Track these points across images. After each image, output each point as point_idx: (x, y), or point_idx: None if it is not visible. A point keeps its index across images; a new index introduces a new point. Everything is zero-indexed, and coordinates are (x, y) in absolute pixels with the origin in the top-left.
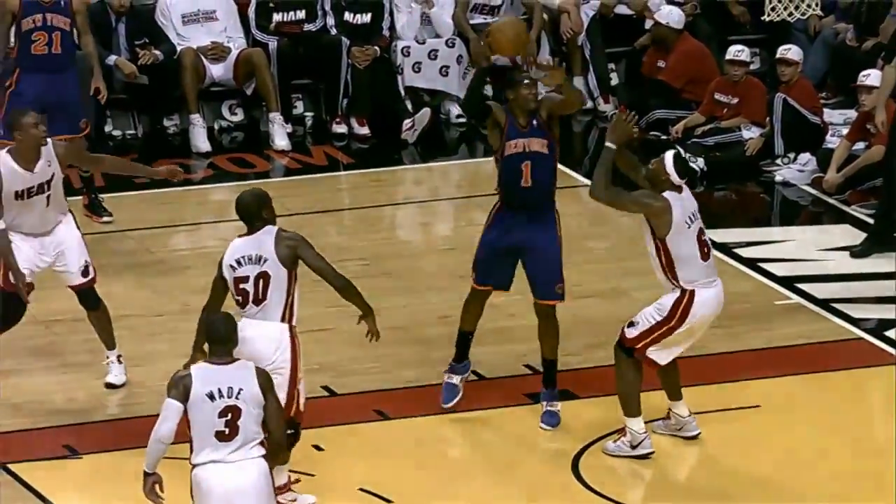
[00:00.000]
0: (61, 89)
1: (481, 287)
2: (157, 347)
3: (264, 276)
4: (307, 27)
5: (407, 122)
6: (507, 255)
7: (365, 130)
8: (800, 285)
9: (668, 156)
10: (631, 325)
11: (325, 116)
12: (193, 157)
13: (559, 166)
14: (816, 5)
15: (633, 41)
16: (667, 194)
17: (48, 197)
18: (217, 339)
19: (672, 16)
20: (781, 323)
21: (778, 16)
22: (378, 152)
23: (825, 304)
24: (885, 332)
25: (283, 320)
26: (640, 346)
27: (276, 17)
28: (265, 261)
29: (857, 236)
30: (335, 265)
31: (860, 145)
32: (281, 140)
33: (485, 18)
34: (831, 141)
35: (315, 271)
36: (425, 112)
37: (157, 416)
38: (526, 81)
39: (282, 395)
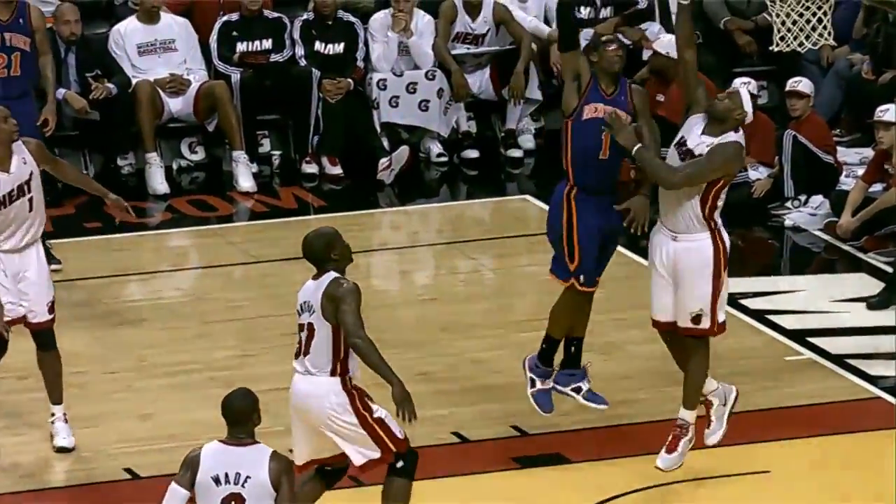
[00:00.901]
0: (17, 117)
1: (590, 289)
2: (111, 407)
3: (309, 328)
4: (274, 58)
5: (383, 162)
6: (604, 246)
7: (337, 170)
8: (812, 340)
9: (744, 90)
10: (697, 317)
11: (293, 155)
12: (150, 200)
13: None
14: (830, 35)
15: (630, 74)
16: (733, 134)
17: (30, 200)
18: (229, 419)
19: (672, 46)
20: (792, 381)
21: (788, 46)
22: (352, 194)
23: (839, 360)
24: None
25: (333, 374)
26: (719, 323)
27: (240, 46)
28: (312, 311)
29: (874, 286)
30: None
31: (877, 187)
32: (245, 181)
33: (467, 48)
34: (846, 182)
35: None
36: (403, 150)
37: (110, 483)
38: (611, 41)
39: (372, 453)
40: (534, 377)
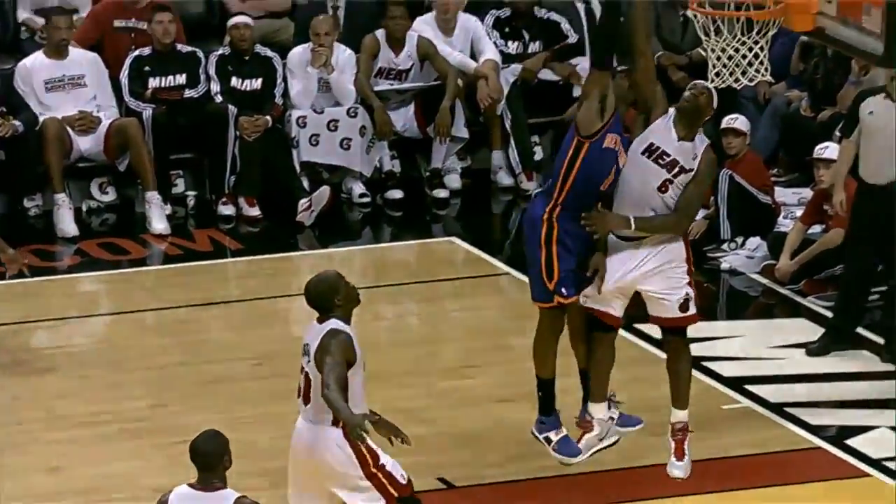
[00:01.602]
0: None
1: (573, 300)
2: (17, 460)
3: (307, 376)
4: (188, 94)
5: (303, 202)
6: (582, 264)
7: (255, 211)
8: (750, 387)
9: (714, 92)
10: (685, 303)
11: (209, 196)
12: (59, 243)
13: (474, 250)
14: (767, 70)
15: (560, 110)
16: (703, 137)
17: None
18: (197, 464)
19: None
20: (729, 430)
21: (723, 82)
22: (270, 236)
23: (779, 408)
24: (847, 441)
25: (335, 424)
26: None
27: (153, 82)
28: (309, 359)
29: (813, 331)
30: (222, 364)
31: (816, 228)
32: (159, 223)
33: (391, 84)
34: (784, 223)
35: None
36: (324, 190)
37: None
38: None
39: (376, 502)
40: (547, 436)
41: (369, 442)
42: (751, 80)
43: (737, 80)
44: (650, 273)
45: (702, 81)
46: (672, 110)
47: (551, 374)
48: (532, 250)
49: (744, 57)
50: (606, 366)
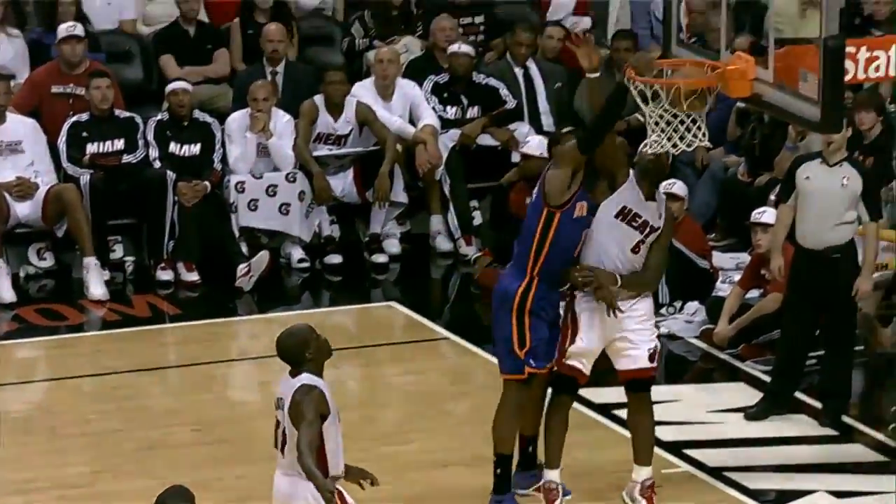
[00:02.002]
0: None
1: (544, 371)
2: None
3: (283, 429)
4: (126, 159)
5: (242, 268)
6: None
7: (194, 277)
8: (688, 451)
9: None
10: (653, 355)
11: (147, 261)
12: None
13: (413, 315)
14: (704, 136)
15: (499, 175)
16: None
17: None
18: None
19: (544, 147)
20: (668, 495)
21: (661, 147)
22: (209, 301)
23: (717, 473)
24: None
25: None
26: None
27: (91, 147)
28: (283, 413)
29: (751, 396)
30: (161, 430)
31: (754, 293)
32: (97, 288)
33: (330, 149)
34: (722, 288)
35: None
36: (263, 255)
37: None
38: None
39: None
40: None
41: (345, 496)
42: (689, 146)
43: (675, 146)
44: (623, 327)
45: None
46: (632, 171)
47: (512, 450)
48: (502, 322)
49: (681, 122)
50: (564, 429)
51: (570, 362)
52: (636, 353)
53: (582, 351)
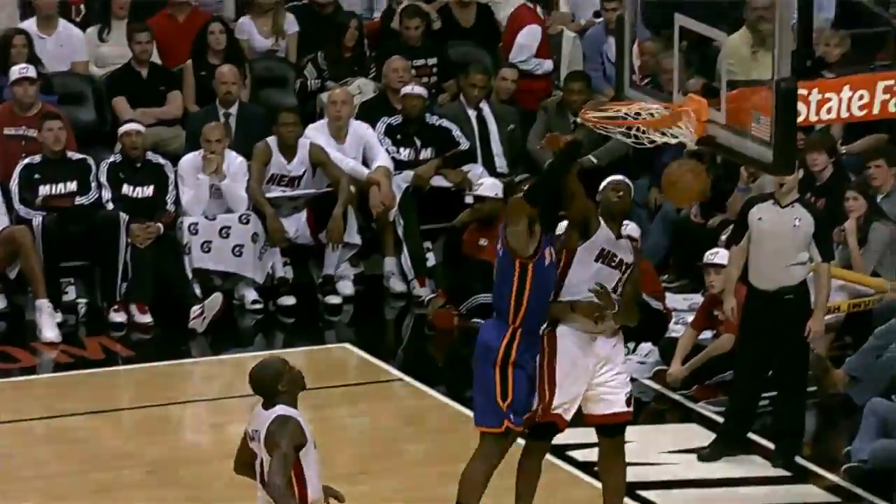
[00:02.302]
0: None
1: (521, 428)
2: None
3: (261, 461)
4: (79, 201)
5: (195, 309)
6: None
7: (147, 319)
8: (642, 493)
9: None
10: (629, 399)
11: (100, 303)
12: None
13: (367, 357)
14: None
15: (452, 216)
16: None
17: None
18: None
19: (497, 187)
20: None
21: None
22: (162, 343)
23: None
24: None
25: None
26: None
27: (43, 189)
28: (260, 445)
29: (704, 437)
30: (114, 472)
31: (707, 334)
32: (49, 331)
33: (283, 191)
34: (675, 329)
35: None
36: (216, 297)
37: None
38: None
39: None
40: None
41: None
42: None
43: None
44: (604, 371)
45: (617, 177)
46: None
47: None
48: (485, 375)
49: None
50: (537, 475)
51: (556, 411)
52: (614, 398)
53: (568, 400)
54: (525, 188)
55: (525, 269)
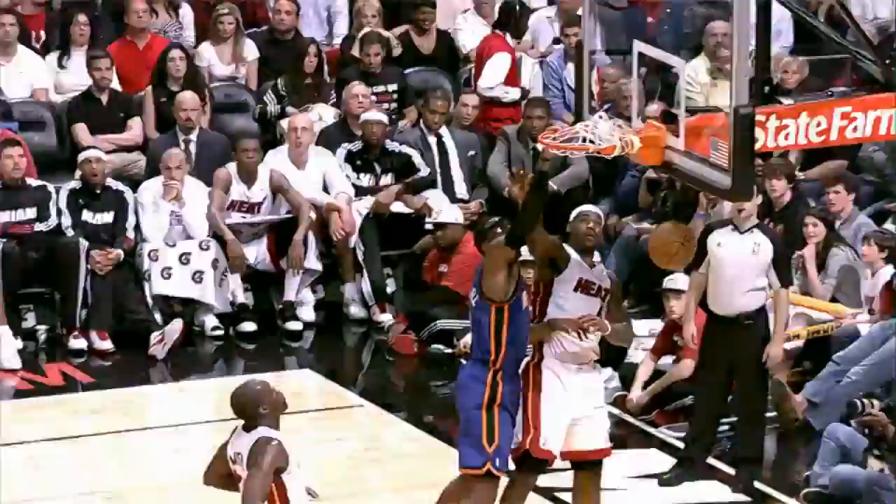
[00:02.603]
0: None
1: (503, 473)
2: None
3: (242, 483)
4: (38, 227)
5: (156, 336)
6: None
7: (107, 345)
8: None
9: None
10: (609, 436)
11: (60, 329)
12: None
13: (327, 382)
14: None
15: (412, 243)
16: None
17: None
18: None
19: (457, 214)
20: None
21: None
22: (122, 370)
23: None
24: None
25: None
26: None
27: (3, 216)
28: (243, 468)
29: (665, 462)
30: (74, 499)
31: (667, 360)
32: (9, 357)
33: (243, 217)
34: (635, 355)
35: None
36: (176, 324)
37: None
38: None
39: None
40: None
41: None
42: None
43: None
44: (586, 405)
45: (586, 208)
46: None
47: None
48: (472, 418)
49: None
50: None
51: (546, 447)
52: (595, 433)
53: (555, 433)
54: (499, 231)
55: (502, 313)
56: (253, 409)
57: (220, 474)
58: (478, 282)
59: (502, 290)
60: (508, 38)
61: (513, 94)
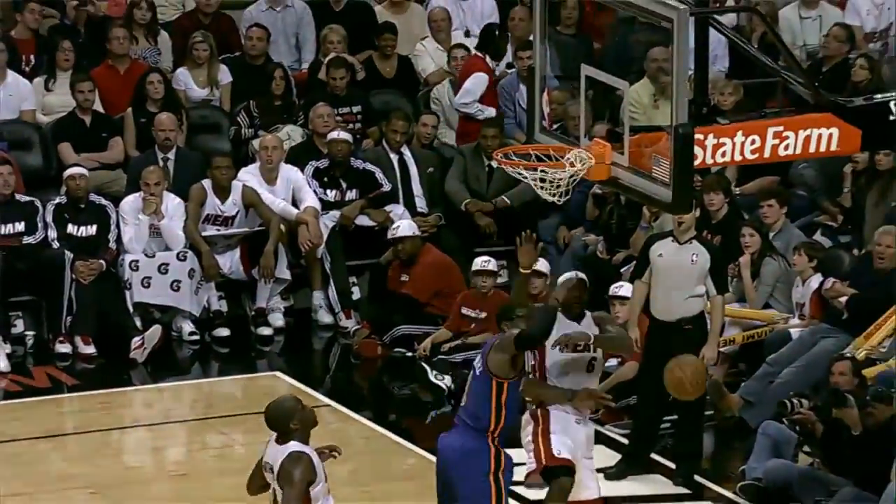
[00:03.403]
0: None
1: None
2: None
3: (274, 492)
4: (26, 240)
5: (136, 340)
6: None
7: (90, 349)
8: None
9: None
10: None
11: (47, 335)
12: None
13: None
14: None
15: (376, 254)
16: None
17: None
18: None
19: (413, 228)
20: None
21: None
22: (105, 373)
23: None
24: None
25: None
26: None
27: None
28: (273, 476)
29: (611, 457)
30: (60, 493)
31: (612, 362)
32: None
33: (217, 230)
34: None
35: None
36: (156, 329)
37: None
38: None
39: None
40: None
41: None
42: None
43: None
44: (585, 451)
45: (571, 275)
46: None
47: None
48: (478, 483)
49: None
50: None
51: (561, 455)
52: (589, 482)
53: (566, 446)
54: (521, 317)
55: (502, 387)
56: (284, 425)
57: (259, 484)
58: (485, 353)
59: (508, 372)
60: (489, 59)
61: (488, 112)
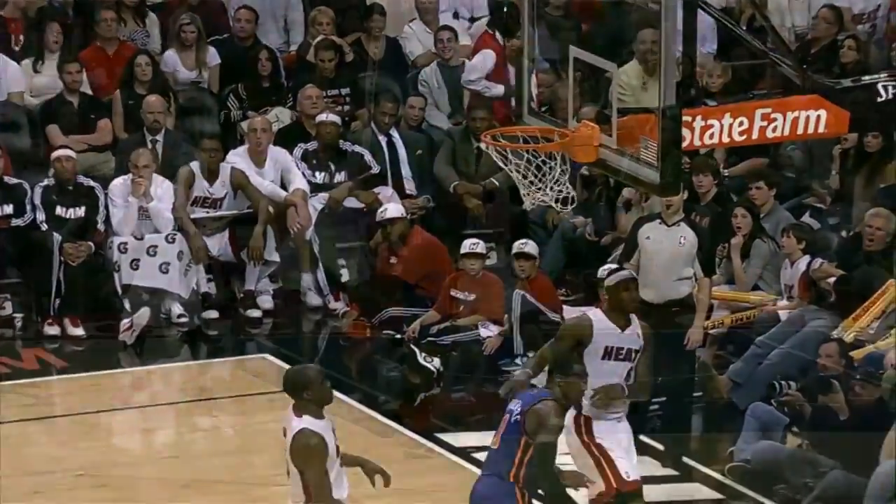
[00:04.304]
0: None
1: None
2: None
3: (288, 463)
4: (15, 222)
5: (125, 322)
6: None
7: (79, 331)
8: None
9: (636, 276)
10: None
11: (35, 317)
12: None
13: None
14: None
15: (364, 235)
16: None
17: None
18: None
19: (401, 210)
20: None
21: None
22: (94, 355)
23: None
24: None
25: None
26: None
27: None
28: (287, 445)
29: None
30: (48, 475)
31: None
32: None
33: (206, 212)
34: None
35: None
36: (144, 311)
37: None
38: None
39: None
40: None
41: None
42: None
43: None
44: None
45: (625, 273)
46: (599, 312)
47: None
48: None
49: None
50: None
51: (631, 478)
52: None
53: (631, 465)
54: (555, 397)
55: (529, 445)
56: (298, 392)
57: None
58: (525, 409)
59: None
60: (498, 35)
61: (495, 90)
